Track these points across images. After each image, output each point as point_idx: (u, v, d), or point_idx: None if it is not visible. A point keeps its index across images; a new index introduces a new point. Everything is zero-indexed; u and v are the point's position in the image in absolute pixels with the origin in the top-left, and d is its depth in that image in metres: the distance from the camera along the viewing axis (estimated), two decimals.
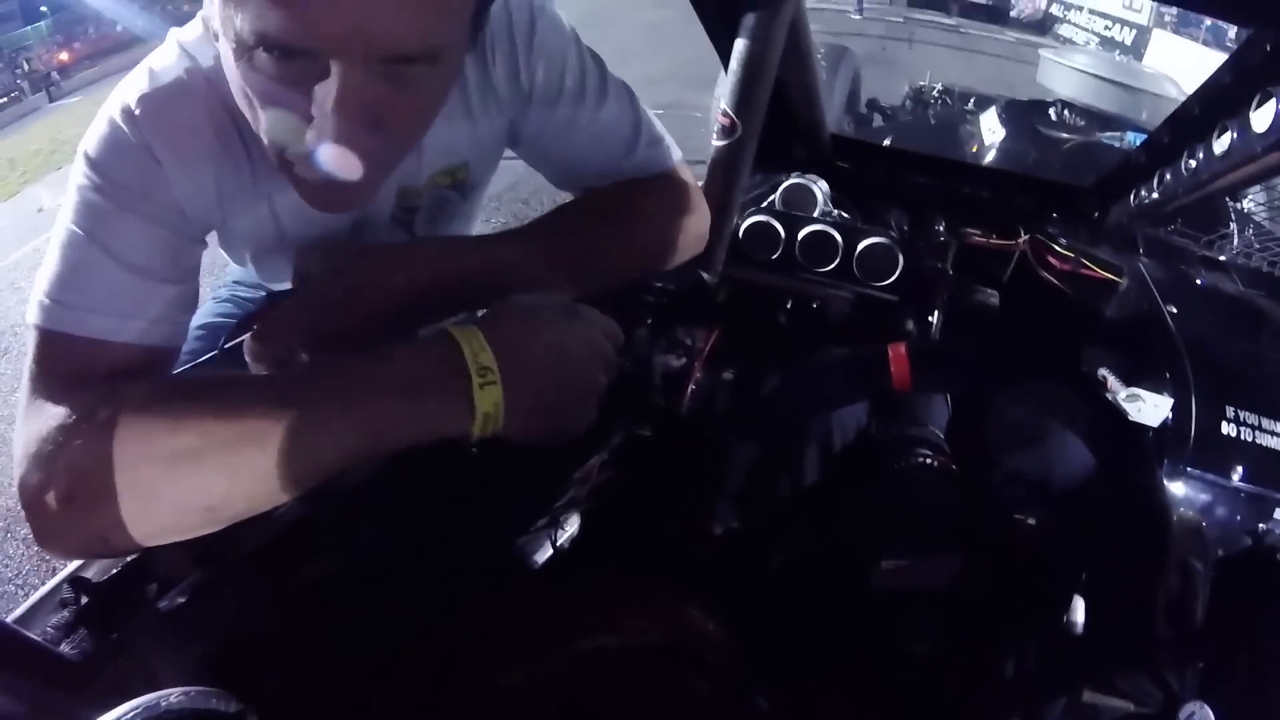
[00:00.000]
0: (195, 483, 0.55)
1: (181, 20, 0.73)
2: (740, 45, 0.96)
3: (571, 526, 0.80)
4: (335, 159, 0.61)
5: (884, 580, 0.71)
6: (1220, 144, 1.02)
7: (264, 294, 1.17)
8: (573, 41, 0.83)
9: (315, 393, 0.58)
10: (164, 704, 0.46)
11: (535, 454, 0.66)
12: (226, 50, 0.59)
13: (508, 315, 0.65)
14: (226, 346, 0.86)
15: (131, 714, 0.45)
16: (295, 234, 0.81)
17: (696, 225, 0.90)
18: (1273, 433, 0.93)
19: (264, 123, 0.62)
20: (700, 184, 0.95)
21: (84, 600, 0.59)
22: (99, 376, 0.62)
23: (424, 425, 0.59)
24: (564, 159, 0.89)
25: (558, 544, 0.79)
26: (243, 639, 0.63)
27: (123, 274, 0.65)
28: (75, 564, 0.63)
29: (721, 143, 0.97)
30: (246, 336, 0.69)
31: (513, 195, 3.38)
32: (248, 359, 0.69)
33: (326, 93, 0.57)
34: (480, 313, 0.70)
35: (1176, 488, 0.91)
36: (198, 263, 0.73)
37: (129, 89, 0.68)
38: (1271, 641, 0.77)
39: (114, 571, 0.62)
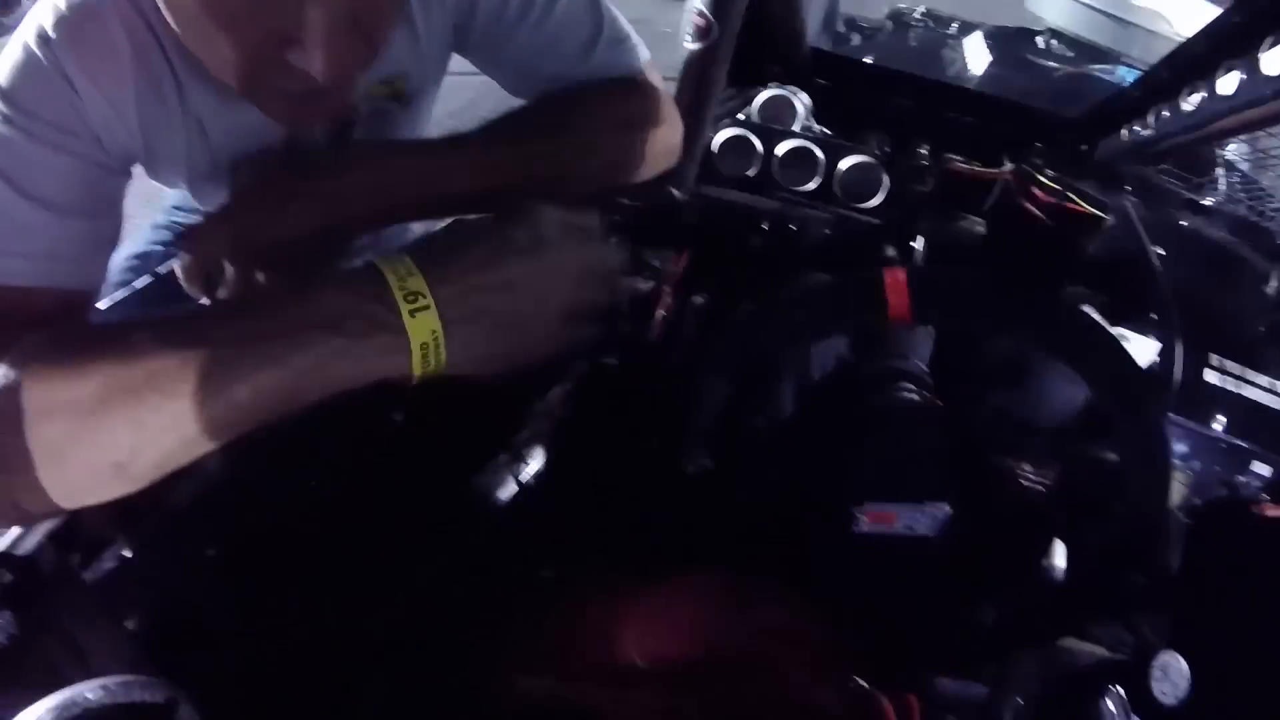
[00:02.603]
0: (100, 437, 0.49)
1: None
2: None
3: (535, 461, 0.75)
4: (323, 67, 0.56)
5: (864, 525, 0.66)
6: (1225, 85, 0.98)
7: None
8: None
9: (226, 333, 0.51)
10: (81, 701, 0.42)
11: (491, 385, 0.60)
12: None
13: (443, 234, 0.60)
14: (162, 273, 0.80)
15: (46, 716, 0.42)
16: (228, 154, 0.75)
17: (666, 135, 0.83)
18: (1254, 384, 0.91)
19: (235, 47, 0.56)
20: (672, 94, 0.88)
21: (6, 578, 0.54)
22: (8, 325, 0.57)
23: (355, 365, 0.53)
24: (516, 61, 0.82)
25: (522, 479, 0.74)
26: (176, 608, 0.60)
27: (33, 210, 0.60)
28: None
29: (695, 46, 0.90)
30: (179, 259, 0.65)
31: (473, 113, 3.25)
32: (180, 279, 0.65)
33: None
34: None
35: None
36: (119, 196, 0.69)
37: (43, 10, 0.62)
38: (1244, 593, 0.75)
39: (36, 542, 0.57)
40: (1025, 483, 0.72)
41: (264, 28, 0.55)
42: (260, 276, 0.64)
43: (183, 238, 0.67)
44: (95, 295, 0.68)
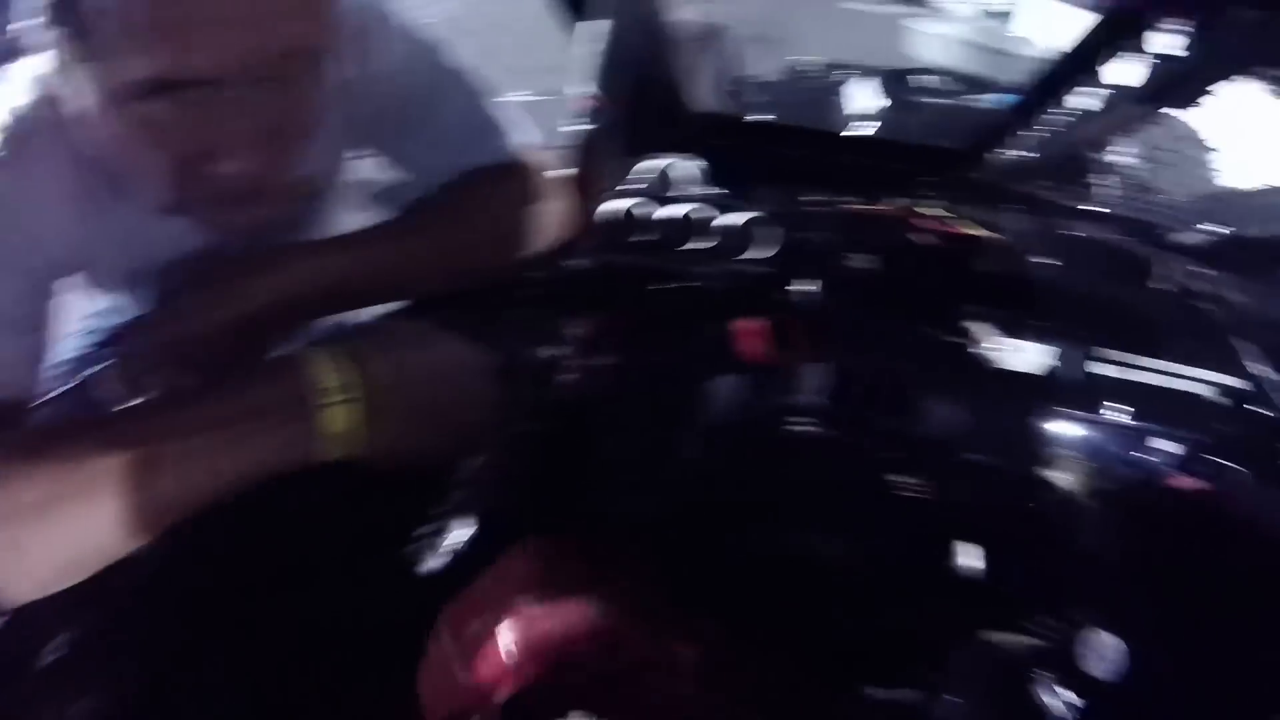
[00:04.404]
0: (49, 538, 0.54)
1: None
2: (599, 23, 0.94)
3: (462, 530, 0.78)
4: (242, 177, 0.61)
5: (771, 551, 0.71)
6: (1084, 100, 1.06)
7: None
8: (415, 34, 0.83)
9: (162, 430, 0.57)
10: None
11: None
12: (91, 102, 0.58)
13: (372, 331, 0.68)
14: (88, 376, 0.82)
15: None
16: (160, 263, 0.78)
17: (558, 209, 0.89)
18: (1139, 368, 0.96)
19: (159, 165, 0.61)
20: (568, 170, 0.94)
21: None
22: None
23: (280, 453, 0.58)
24: (412, 153, 0.89)
25: (449, 550, 0.77)
26: (132, 687, 0.61)
27: None
28: None
29: (586, 125, 0.96)
30: (106, 363, 0.68)
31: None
32: (109, 386, 0.68)
33: (229, 115, 0.58)
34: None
35: (1052, 429, 0.92)
36: (55, 309, 0.72)
37: None
38: (1161, 563, 0.79)
39: None
40: (919, 496, 0.77)
41: (186, 145, 0.59)
42: (188, 378, 0.67)
43: (111, 342, 0.70)
44: (27, 405, 0.70)
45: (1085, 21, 1.07)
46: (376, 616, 0.67)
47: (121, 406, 0.70)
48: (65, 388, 0.86)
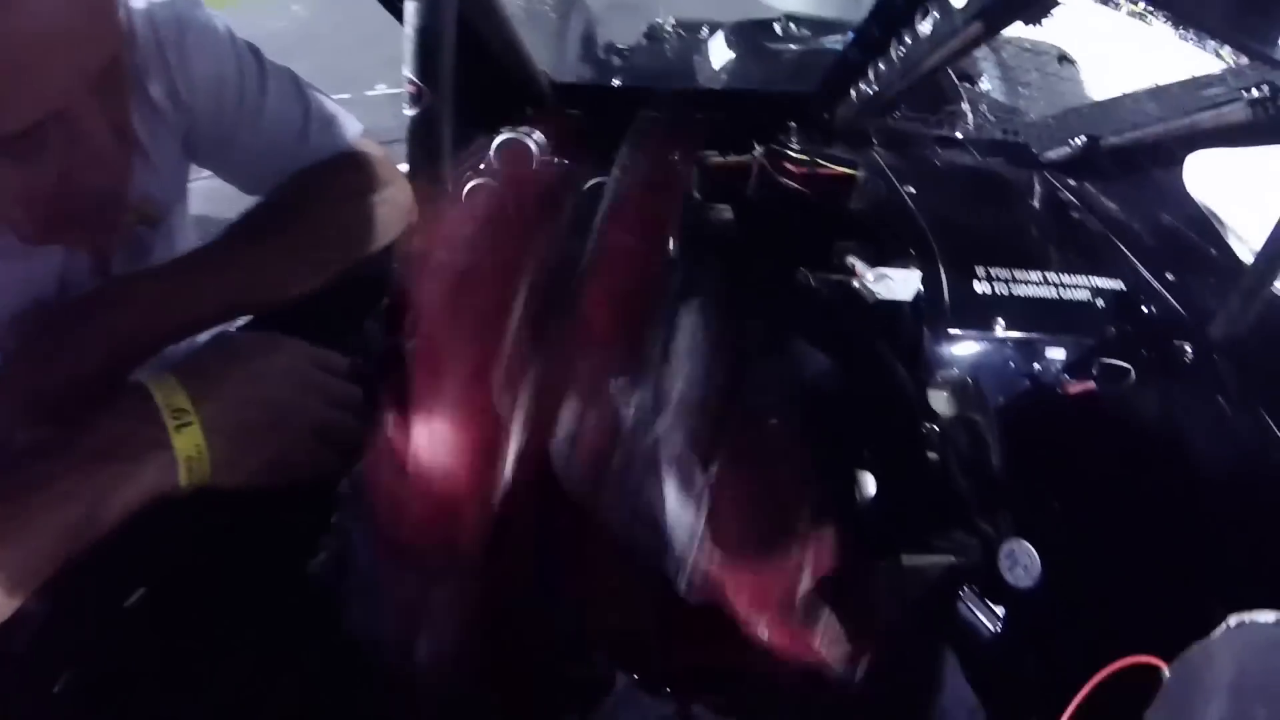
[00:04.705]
0: None
1: None
2: (412, 5, 0.89)
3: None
4: (95, 191, 0.62)
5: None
6: (924, 26, 1.06)
7: None
8: (227, 42, 0.81)
9: (20, 481, 0.55)
10: None
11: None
12: None
13: (200, 353, 0.64)
14: None
15: None
16: (5, 312, 0.73)
17: (395, 195, 0.87)
18: (1025, 281, 0.96)
19: (15, 209, 0.60)
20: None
21: None
22: None
23: (136, 486, 0.56)
24: (242, 162, 0.87)
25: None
26: None
27: None
28: None
29: (413, 112, 0.91)
30: None
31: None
32: None
33: (64, 146, 0.57)
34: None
35: (944, 350, 0.92)
36: None
37: None
38: (1066, 468, 0.79)
39: None
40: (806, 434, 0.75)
41: (34, 184, 0.58)
42: (50, 425, 0.64)
43: None
44: None
45: None
46: (286, 648, 0.65)
47: None
48: None
